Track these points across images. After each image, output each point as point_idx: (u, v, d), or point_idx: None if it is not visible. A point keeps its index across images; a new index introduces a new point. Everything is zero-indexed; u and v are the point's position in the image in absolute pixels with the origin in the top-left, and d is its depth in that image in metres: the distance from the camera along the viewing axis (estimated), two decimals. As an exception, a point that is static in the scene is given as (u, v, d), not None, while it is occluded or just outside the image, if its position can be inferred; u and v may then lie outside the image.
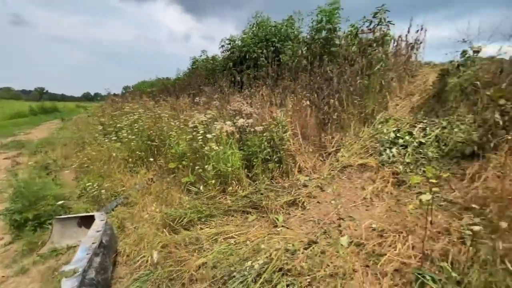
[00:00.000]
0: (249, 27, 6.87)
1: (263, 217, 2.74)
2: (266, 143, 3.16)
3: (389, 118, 4.11)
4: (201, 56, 8.84)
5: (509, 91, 2.63)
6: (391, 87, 4.71)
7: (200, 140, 3.19)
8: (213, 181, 2.94)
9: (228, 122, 3.26)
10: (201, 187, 2.97)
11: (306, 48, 5.61)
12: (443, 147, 3.17)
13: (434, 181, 1.64)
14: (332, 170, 3.40)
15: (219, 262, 1.98)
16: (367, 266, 1.98)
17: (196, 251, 2.19)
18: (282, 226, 2.55)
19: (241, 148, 3.24)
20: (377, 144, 3.58)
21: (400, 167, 3.09)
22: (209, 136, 3.12)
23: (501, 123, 2.57)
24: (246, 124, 3.28)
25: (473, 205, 2.10)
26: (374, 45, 4.80)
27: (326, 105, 3.97)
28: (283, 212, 2.78)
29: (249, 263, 1.82)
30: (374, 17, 4.90)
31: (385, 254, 1.99)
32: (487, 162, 2.56)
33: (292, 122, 3.78)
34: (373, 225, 2.38)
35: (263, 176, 3.11)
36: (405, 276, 1.78)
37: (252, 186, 3.01)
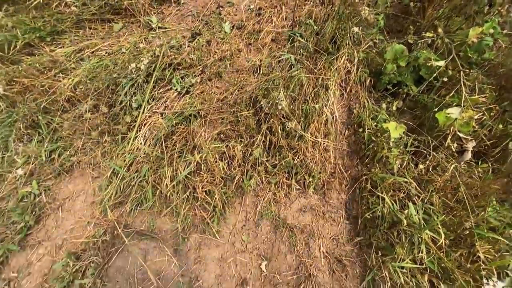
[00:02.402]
0: None
1: (132, 22, 2.25)
2: None
3: None
4: None
5: None
6: None
7: None
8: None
9: None
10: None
11: None
12: None
13: None
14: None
15: (97, 76, 1.69)
16: (250, 44, 2.13)
17: (61, 74, 1.75)
18: (159, 27, 2.21)
19: None
20: None
21: None
22: None
23: None
24: None
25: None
26: None
27: None
28: (155, 13, 2.33)
29: (133, 65, 1.62)
30: None
31: (263, 30, 2.14)
32: None
33: None
34: (251, 6, 2.35)
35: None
36: (280, 41, 2.04)
37: (99, -18, 2.17)
